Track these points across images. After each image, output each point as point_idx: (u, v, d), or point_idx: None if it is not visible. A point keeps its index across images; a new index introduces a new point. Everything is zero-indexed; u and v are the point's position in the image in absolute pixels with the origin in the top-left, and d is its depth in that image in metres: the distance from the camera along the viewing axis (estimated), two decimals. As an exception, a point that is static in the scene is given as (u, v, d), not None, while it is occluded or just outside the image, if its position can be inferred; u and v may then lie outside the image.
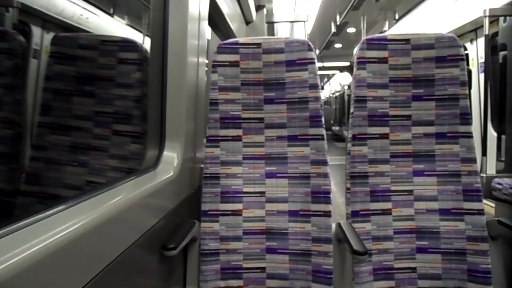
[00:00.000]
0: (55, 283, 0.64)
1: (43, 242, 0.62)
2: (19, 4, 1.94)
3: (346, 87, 14.23)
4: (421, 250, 1.45)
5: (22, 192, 1.40)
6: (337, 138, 15.05)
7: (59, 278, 0.65)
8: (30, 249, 0.59)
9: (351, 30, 9.01)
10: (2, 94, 1.41)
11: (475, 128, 1.52)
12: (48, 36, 2.27)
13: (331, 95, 18.79)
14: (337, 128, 15.97)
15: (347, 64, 12.59)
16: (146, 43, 1.68)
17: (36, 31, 2.20)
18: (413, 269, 1.44)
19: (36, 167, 1.42)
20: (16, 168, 1.42)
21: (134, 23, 3.45)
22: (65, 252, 0.66)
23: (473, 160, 1.46)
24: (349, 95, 13.18)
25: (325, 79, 19.29)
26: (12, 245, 0.59)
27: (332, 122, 17.39)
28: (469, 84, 1.52)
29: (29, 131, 1.53)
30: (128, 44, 1.47)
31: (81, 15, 2.54)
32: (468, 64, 3.06)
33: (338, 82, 16.06)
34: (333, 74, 16.88)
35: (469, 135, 1.48)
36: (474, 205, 1.44)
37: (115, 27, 3.21)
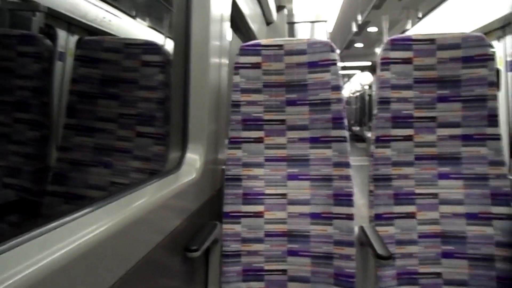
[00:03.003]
0: (83, 284, 0.65)
1: (70, 245, 0.63)
2: (45, 9, 1.99)
3: (366, 87, 14.06)
4: (446, 255, 1.41)
5: (49, 192, 1.43)
6: (357, 138, 14.87)
7: (86, 280, 0.66)
8: (58, 252, 0.60)
9: (372, 29, 8.88)
10: (30, 97, 1.44)
11: (503, 129, 1.47)
12: (73, 39, 2.32)
13: (351, 94, 18.60)
14: (358, 128, 15.79)
15: (369, 63, 12.43)
16: (167, 45, 1.70)
17: (61, 34, 2.25)
18: (438, 274, 1.41)
19: (62, 168, 1.45)
20: (43, 169, 1.46)
21: (156, 25, 3.50)
22: (91, 254, 0.67)
23: (502, 163, 1.42)
24: (369, 95, 13.03)
25: (345, 79, 19.12)
26: (43, 247, 0.60)
27: (352, 122, 17.21)
28: (497, 84, 1.47)
29: (55, 133, 1.57)
30: (151, 47, 1.48)
31: (104, 17, 2.59)
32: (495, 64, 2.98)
33: (358, 82, 15.88)
34: (353, 74, 16.71)
35: (497, 137, 1.43)
36: (503, 210, 1.39)
37: (137, 29, 3.26)
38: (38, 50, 1.47)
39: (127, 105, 1.46)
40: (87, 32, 2.39)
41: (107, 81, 1.47)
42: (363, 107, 14.71)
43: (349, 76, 18.21)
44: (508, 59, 2.89)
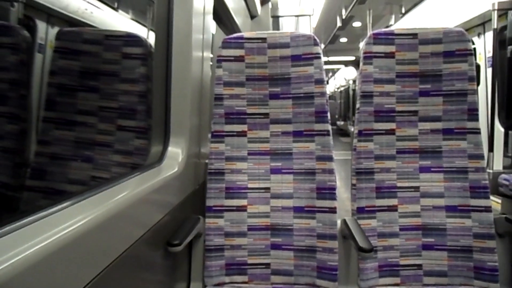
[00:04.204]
0: (62, 279, 0.64)
1: (49, 239, 0.62)
2: (24, -1, 1.94)
3: (351, 82, 14.17)
4: (427, 247, 1.44)
5: (27, 187, 1.40)
6: (342, 133, 15.01)
7: (66, 274, 0.65)
8: (37, 246, 0.59)
9: (356, 24, 8.93)
10: (7, 90, 1.40)
11: (481, 123, 1.50)
12: (53, 31, 2.26)
13: (336, 89, 18.73)
14: (342, 122, 15.93)
15: (353, 58, 12.51)
16: (151, 38, 1.67)
17: (41, 25, 2.20)
18: (419, 266, 1.43)
19: (41, 162, 1.42)
20: (22, 163, 1.43)
21: (139, 18, 3.45)
22: (71, 248, 0.66)
23: (481, 157, 1.45)
24: (354, 90, 13.14)
25: (330, 74, 19.21)
26: (19, 242, 0.59)
27: (337, 116, 17.34)
28: (477, 79, 1.50)
29: (34, 126, 1.53)
30: (132, 39, 1.46)
31: (86, 9, 2.54)
32: (475, 59, 3.03)
33: (343, 77, 15.99)
34: (338, 69, 16.81)
35: (476, 131, 1.46)
36: (481, 202, 1.42)
37: (119, 21, 3.20)
38: (15, 41, 1.43)
39: (108, 98, 1.43)
40: (68, 24, 2.34)
41: (87, 73, 1.44)
42: (347, 101, 14.84)
43: (334, 71, 18.32)
44: (488, 55, 2.94)
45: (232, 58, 1.47)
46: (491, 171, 1.70)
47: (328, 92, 1.52)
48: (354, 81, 13.19)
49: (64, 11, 2.30)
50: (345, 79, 15.49)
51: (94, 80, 1.44)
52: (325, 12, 7.96)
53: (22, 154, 1.43)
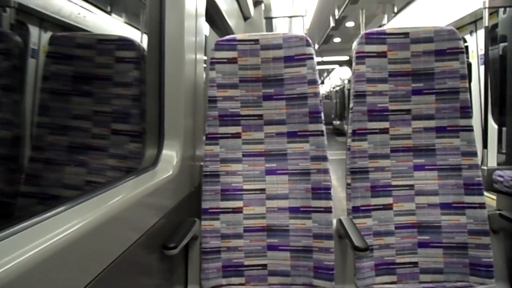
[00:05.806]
0: (57, 284, 0.64)
1: (44, 244, 0.62)
2: (16, 4, 1.93)
3: (346, 81, 14.22)
4: (422, 244, 1.45)
5: (22, 193, 1.40)
6: (337, 132, 15.05)
7: (61, 279, 0.65)
8: (32, 251, 0.59)
9: (350, 24, 8.96)
10: (0, 95, 1.40)
11: (475, 120, 1.51)
12: (46, 36, 2.26)
13: (332, 89, 18.77)
14: (338, 122, 15.97)
15: (347, 58, 12.55)
16: (144, 41, 1.67)
17: (33, 30, 2.19)
18: (415, 264, 1.44)
19: (35, 168, 1.41)
20: (16, 169, 1.42)
21: (132, 21, 3.44)
22: (66, 253, 0.66)
23: (474, 154, 1.46)
24: (349, 90, 13.18)
25: (325, 74, 19.25)
26: (14, 247, 0.59)
27: (332, 116, 17.38)
28: (469, 77, 1.51)
29: (28, 132, 1.53)
30: (125, 43, 1.46)
31: (79, 13, 2.53)
32: (468, 57, 3.05)
33: (338, 76, 16.03)
34: (333, 69, 16.85)
35: (469, 129, 1.47)
36: (475, 199, 1.43)
37: (113, 25, 3.20)
38: (8, 47, 1.43)
39: (102, 102, 1.43)
40: (61, 28, 2.34)
41: (81, 78, 1.44)
42: (342, 101, 14.89)
43: (329, 71, 18.36)
44: (480, 53, 2.97)
45: (225, 60, 1.48)
46: (485, 167, 1.71)
47: (324, 92, 1.52)
48: (349, 81, 13.23)
49: (57, 15, 2.29)
50: (341, 79, 15.53)
51: (88, 84, 1.44)
52: (318, 13, 7.98)
53: (16, 160, 1.43)
